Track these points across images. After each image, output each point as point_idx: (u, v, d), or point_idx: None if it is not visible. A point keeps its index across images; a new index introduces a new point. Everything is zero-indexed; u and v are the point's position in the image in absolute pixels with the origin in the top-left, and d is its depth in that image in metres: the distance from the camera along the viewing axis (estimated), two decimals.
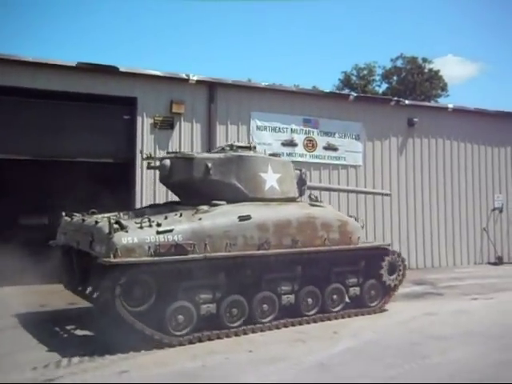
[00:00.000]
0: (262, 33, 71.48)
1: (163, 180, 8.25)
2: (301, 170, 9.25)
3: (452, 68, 62.47)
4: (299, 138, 12.77)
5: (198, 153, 8.58)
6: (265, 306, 7.35)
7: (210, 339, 6.74)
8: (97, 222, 6.76)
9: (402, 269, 8.73)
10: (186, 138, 11.62)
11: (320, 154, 12.96)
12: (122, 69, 10.93)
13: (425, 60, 47.99)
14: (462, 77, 65.54)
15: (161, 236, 6.42)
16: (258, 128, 12.31)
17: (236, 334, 6.96)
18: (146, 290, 6.35)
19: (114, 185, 11.36)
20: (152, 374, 5.50)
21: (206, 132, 11.79)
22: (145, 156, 8.43)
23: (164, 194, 10.96)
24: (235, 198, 7.66)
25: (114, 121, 11.32)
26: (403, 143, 14.06)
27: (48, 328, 7.32)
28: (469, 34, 67.89)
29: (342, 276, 8.21)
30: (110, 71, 10.89)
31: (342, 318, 8.08)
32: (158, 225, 6.51)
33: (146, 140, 11.22)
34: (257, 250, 7.20)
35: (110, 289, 6.11)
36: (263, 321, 7.30)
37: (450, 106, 14.98)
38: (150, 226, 6.48)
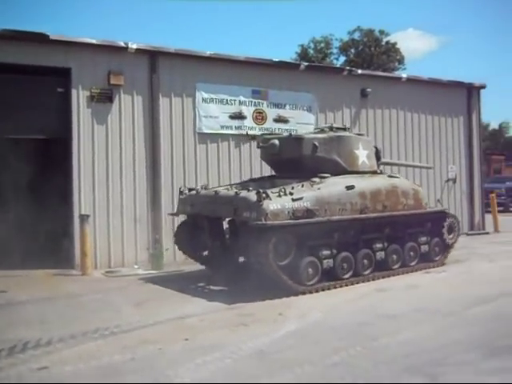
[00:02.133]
0: (214, 3, 69.91)
1: (270, 157, 9.56)
2: (377, 148, 10.44)
3: (412, 41, 62.74)
4: (248, 111, 12.18)
5: (305, 133, 9.65)
6: (365, 261, 8.70)
7: (329, 289, 8.10)
8: (237, 194, 8.03)
9: (457, 229, 10.38)
10: (127, 112, 10.87)
11: (270, 126, 12.41)
12: (52, 36, 10.04)
13: (382, 32, 47.89)
14: (422, 50, 65.97)
15: (295, 203, 7.70)
16: (204, 100, 11.66)
17: (346, 285, 8.35)
18: (288, 247, 7.58)
19: (47, 162, 10.63)
20: (75, 369, 4.93)
21: (149, 105, 11.07)
22: (250, 137, 10.30)
23: (104, 169, 10.55)
24: (336, 171, 8.97)
25: (46, 94, 10.46)
26: (356, 114, 13.65)
27: None
28: (429, 8, 68.09)
29: (415, 235, 9.62)
30: (39, 39, 9.98)
31: (416, 271, 9.47)
32: (291, 194, 7.78)
33: (82, 114, 10.43)
34: (359, 214, 8.57)
35: (264, 246, 7.31)
36: (365, 273, 8.70)
37: (404, 75, 14.65)
38: (285, 194, 7.73)
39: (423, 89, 14.68)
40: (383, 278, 8.87)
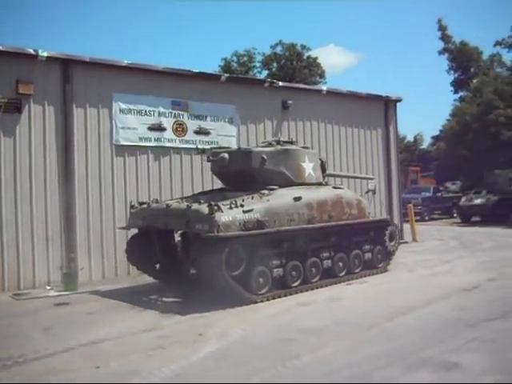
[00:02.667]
0: (132, 15, 68.89)
1: (219, 170, 9.85)
2: (322, 160, 11.01)
3: (333, 57, 64.78)
4: (168, 122, 11.84)
5: (254, 147, 10.10)
6: (313, 269, 9.03)
7: (279, 297, 8.34)
8: (189, 207, 8.11)
9: (398, 237, 11.12)
10: (38, 123, 10.22)
11: (191, 138, 12.13)
12: None
13: (303, 47, 48.84)
14: (342, 65, 68.21)
15: (246, 214, 7.98)
16: (122, 111, 11.20)
17: (296, 292, 8.62)
18: (240, 258, 7.84)
19: None
20: None
21: (61, 116, 10.45)
22: (199, 151, 10.28)
23: (12, 184, 9.94)
24: (284, 183, 9.34)
25: None
26: (278, 126, 13.64)
27: None
28: (349, 25, 70.62)
29: (359, 244, 10.08)
30: None
31: (361, 277, 9.87)
32: (242, 206, 8.04)
33: None
34: (307, 224, 8.93)
35: (217, 258, 7.51)
36: (313, 281, 9.00)
37: (324, 88, 14.85)
38: (236, 206, 7.95)
39: (343, 102, 14.94)
40: (331, 284, 9.27)
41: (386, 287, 9.16)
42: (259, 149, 9.67)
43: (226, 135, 12.68)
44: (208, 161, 10.03)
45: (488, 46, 72.59)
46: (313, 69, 47.83)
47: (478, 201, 23.15)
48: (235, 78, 12.81)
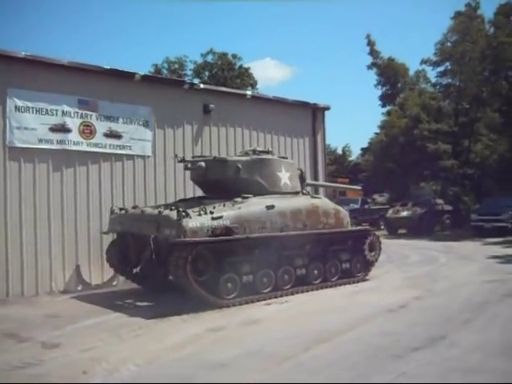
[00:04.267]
0: (65, 12, 66.21)
1: (197, 178, 10.11)
2: (301, 170, 11.31)
3: (270, 70, 65.53)
4: (73, 123, 10.59)
5: (229, 156, 10.49)
6: (285, 276, 9.16)
7: (252, 302, 8.52)
8: (160, 212, 8.44)
9: (379, 247, 11.06)
10: None
11: (100, 142, 10.95)
12: None
13: (234, 56, 48.36)
14: (278, 78, 69.29)
15: (215, 221, 8.16)
16: (18, 109, 9.87)
17: (264, 299, 8.74)
18: (207, 263, 8.05)
19: None
20: None
21: None
22: (179, 159, 9.98)
23: None
24: (259, 192, 9.48)
25: None
26: (199, 131, 12.67)
27: None
28: (285, 40, 71.53)
29: (337, 253, 10.18)
30: None
31: (339, 285, 10.04)
32: (211, 212, 8.24)
33: None
34: (279, 232, 9.03)
35: (182, 263, 7.72)
36: (285, 288, 9.12)
37: (248, 92, 14.09)
38: (206, 213, 8.18)
39: (268, 108, 14.15)
40: (306, 291, 9.43)
41: (307, 307, 8.38)
42: (234, 158, 10.02)
43: (140, 139, 11.58)
44: (186, 169, 10.23)
45: (414, 62, 75.50)
46: (245, 78, 47.36)
47: (405, 213, 23.18)
48: (151, 78, 11.76)
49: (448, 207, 24.47)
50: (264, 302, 8.71)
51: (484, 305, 8.02)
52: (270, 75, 69.38)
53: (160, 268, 8.92)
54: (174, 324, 7.38)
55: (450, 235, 21.55)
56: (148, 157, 11.71)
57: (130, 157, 11.40)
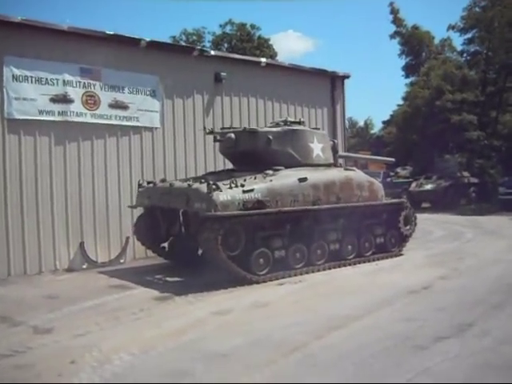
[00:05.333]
0: None
1: (227, 150, 9.80)
2: (334, 141, 10.99)
3: (292, 42, 64.51)
4: (76, 93, 10.02)
5: (260, 127, 10.05)
6: (318, 251, 8.88)
7: (283, 277, 8.26)
8: (190, 185, 8.14)
9: (414, 220, 10.65)
10: None
11: (105, 113, 10.37)
12: None
13: (253, 27, 47.32)
14: (301, 51, 68.27)
15: (246, 194, 7.87)
16: (16, 78, 9.32)
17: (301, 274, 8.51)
18: (238, 238, 7.80)
19: None
20: None
21: None
22: (207, 131, 9.95)
23: None
24: (291, 164, 9.15)
25: None
26: (210, 101, 12.01)
27: None
28: (308, 12, 70.07)
29: (371, 227, 9.88)
30: None
31: (373, 260, 9.75)
32: (242, 185, 7.93)
33: None
34: (312, 205, 8.70)
35: (213, 238, 7.43)
36: (318, 263, 8.85)
37: (263, 60, 13.30)
38: (236, 186, 7.87)
39: (285, 76, 13.38)
40: (339, 267, 9.14)
41: (322, 288, 7.77)
42: (265, 129, 9.61)
43: (148, 110, 10.98)
44: (215, 141, 9.91)
45: (440, 30, 73.10)
46: (264, 50, 46.28)
47: (429, 186, 22.32)
48: (158, 44, 11.01)
49: (474, 180, 23.51)
50: (276, 282, 8.16)
51: None
52: (293, 47, 68.38)
53: (190, 243, 8.89)
54: (177, 306, 6.88)
55: (475, 209, 20.63)
56: (156, 128, 11.13)
57: (137, 129, 10.82)
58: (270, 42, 47.16)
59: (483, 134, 25.57)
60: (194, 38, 46.93)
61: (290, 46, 67.88)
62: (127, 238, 10.31)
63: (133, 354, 5.03)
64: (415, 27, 37.25)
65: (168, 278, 8.67)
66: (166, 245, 9.84)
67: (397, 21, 37.15)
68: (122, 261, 10.23)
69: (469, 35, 28.93)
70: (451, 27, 30.06)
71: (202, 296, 7.31)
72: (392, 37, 37.87)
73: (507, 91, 27.30)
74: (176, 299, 7.17)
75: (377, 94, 78.42)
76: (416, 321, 5.73)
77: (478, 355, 4.58)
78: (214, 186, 7.65)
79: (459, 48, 32.17)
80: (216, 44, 46.23)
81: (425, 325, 5.57)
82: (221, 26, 45.74)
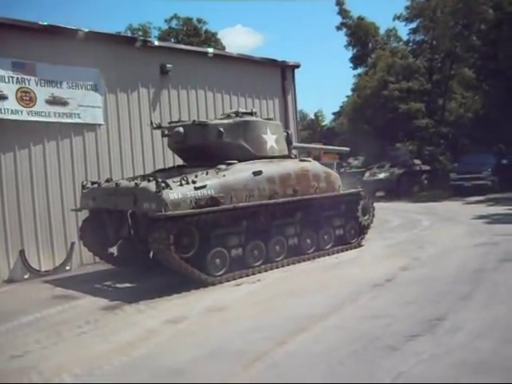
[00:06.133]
0: None
1: (175, 145, 9.22)
2: (288, 132, 10.66)
3: (241, 37, 64.12)
4: (9, 89, 9.21)
5: (210, 120, 9.52)
6: (277, 247, 8.53)
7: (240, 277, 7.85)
8: (137, 184, 7.52)
9: (372, 210, 10.49)
10: None
11: (43, 110, 9.62)
12: None
13: (200, 21, 46.67)
14: (248, 46, 68.09)
15: (198, 191, 7.41)
16: None
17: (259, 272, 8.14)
18: (192, 238, 7.35)
19: None
20: None
21: None
22: (154, 125, 9.38)
23: None
24: (244, 157, 8.72)
25: None
26: (156, 95, 11.40)
27: None
28: (255, 7, 69.92)
29: (330, 219, 9.58)
30: None
31: (333, 253, 9.47)
32: (193, 182, 7.45)
33: None
34: (268, 199, 8.34)
35: (164, 238, 6.97)
36: (277, 259, 8.51)
37: (210, 50, 12.77)
38: (188, 183, 7.40)
39: (233, 67, 12.89)
40: (299, 262, 8.81)
41: (281, 286, 7.35)
42: (216, 121, 9.17)
43: (90, 106, 10.28)
44: (163, 136, 9.51)
45: (385, 21, 74.18)
46: (212, 44, 45.64)
47: (382, 175, 22.42)
48: (97, 35, 10.29)
49: (426, 167, 23.81)
50: (234, 283, 7.72)
51: (480, 274, 7.11)
52: (242, 42, 68.23)
53: (140, 245, 8.24)
54: (127, 316, 6.33)
55: (429, 196, 20.85)
56: (100, 125, 10.45)
57: (79, 126, 10.11)
58: (218, 37, 46.58)
59: (432, 122, 25.89)
60: (140, 33, 45.79)
61: (239, 41, 67.77)
62: (72, 244, 9.64)
63: (76, 376, 4.48)
64: (361, 18, 37.41)
65: (118, 285, 8.10)
66: (114, 249, 9.18)
67: (342, 12, 37.19)
68: (67, 268, 9.55)
69: (413, 25, 29.22)
70: (396, 17, 30.29)
71: (153, 303, 6.78)
72: (338, 28, 37.89)
73: (452, 78, 27.70)
74: (125, 308, 6.62)
75: (327, 87, 79.02)
76: (383, 318, 5.39)
77: (454, 353, 4.25)
78: (163, 184, 7.17)
79: (405, 38, 32.49)
80: (163, 39, 45.12)
81: (393, 322, 5.22)
82: (166, 20, 44.92)
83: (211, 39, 45.97)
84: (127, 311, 6.51)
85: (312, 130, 53.61)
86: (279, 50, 72.99)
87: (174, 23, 45.78)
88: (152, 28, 46.09)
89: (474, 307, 5.60)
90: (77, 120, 10.10)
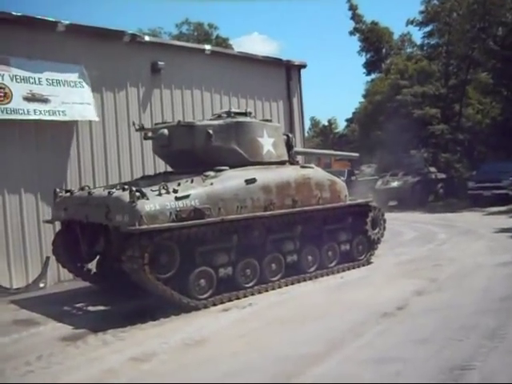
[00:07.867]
0: None
1: (160, 150, 8.36)
2: (288, 135, 9.49)
3: (257, 45, 64.31)
4: None
5: (199, 120, 8.63)
6: (273, 265, 7.62)
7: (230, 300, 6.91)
8: (110, 193, 6.69)
9: (383, 222, 9.51)
10: None
11: (20, 107, 8.67)
12: None
13: (211, 26, 46.13)
14: (265, 53, 68.16)
15: (180, 202, 6.52)
16: None
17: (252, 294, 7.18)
18: (172, 256, 6.47)
19: None
20: None
21: None
22: (137, 127, 8.48)
23: None
24: (236, 162, 7.83)
25: None
26: (147, 95, 10.45)
27: None
28: (271, 14, 70.34)
29: (334, 233, 8.63)
30: None
31: (338, 272, 8.46)
32: (175, 191, 6.58)
33: None
34: (263, 211, 7.43)
35: (138, 256, 6.11)
36: (273, 279, 7.58)
37: (207, 47, 11.83)
38: (168, 192, 6.53)
39: (234, 66, 11.95)
40: (298, 282, 7.87)
41: (274, 313, 6.31)
42: (204, 122, 8.19)
43: (77, 103, 9.33)
44: (145, 138, 8.56)
45: (399, 25, 73.30)
46: None
47: (395, 183, 21.24)
48: (79, 28, 9.35)
49: (442, 175, 22.61)
50: (221, 307, 6.70)
51: (509, 302, 6.02)
52: (259, 50, 68.09)
53: (116, 264, 7.12)
54: (88, 349, 5.32)
55: (445, 206, 19.67)
56: (83, 124, 9.51)
57: (61, 125, 9.15)
58: (230, 42, 45.90)
59: (447, 128, 24.74)
60: None
61: (257, 49, 67.75)
62: (47, 258, 8.67)
63: None
64: (374, 23, 36.47)
65: (90, 308, 7.14)
66: (93, 265, 8.26)
67: (356, 17, 36.28)
68: (41, 285, 8.57)
69: (428, 28, 28.16)
70: (410, 22, 29.27)
71: (124, 332, 5.79)
72: (351, 33, 36.95)
73: (469, 83, 26.57)
74: (89, 339, 5.62)
75: (342, 93, 78.21)
76: (392, 362, 4.32)
77: None
78: (137, 194, 6.25)
79: (419, 42, 31.43)
80: None
81: (404, 369, 4.15)
82: (177, 25, 44.34)
83: (222, 45, 45.28)
84: (90, 343, 5.51)
85: (324, 137, 52.53)
86: (294, 57, 72.88)
87: (184, 28, 45.14)
88: (162, 33, 45.47)
89: (507, 349, 4.50)
90: (63, 117, 9.18)
